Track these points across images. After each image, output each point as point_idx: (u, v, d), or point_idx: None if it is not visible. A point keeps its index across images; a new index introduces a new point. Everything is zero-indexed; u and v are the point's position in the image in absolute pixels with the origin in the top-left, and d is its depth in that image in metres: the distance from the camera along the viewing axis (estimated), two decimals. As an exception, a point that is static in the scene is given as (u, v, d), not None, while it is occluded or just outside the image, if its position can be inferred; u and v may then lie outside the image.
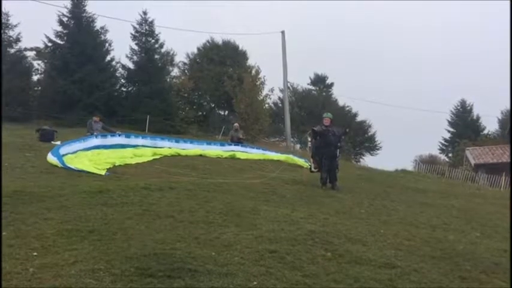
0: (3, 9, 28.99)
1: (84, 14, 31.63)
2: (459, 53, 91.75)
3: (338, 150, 12.12)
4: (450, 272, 5.22)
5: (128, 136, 16.18)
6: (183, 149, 16.89)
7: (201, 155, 16.56)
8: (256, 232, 6.07)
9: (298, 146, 35.50)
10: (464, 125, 50.71)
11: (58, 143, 14.70)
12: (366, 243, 6.10)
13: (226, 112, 41.62)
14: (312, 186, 11.67)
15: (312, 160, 12.71)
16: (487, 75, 79.11)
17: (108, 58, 32.78)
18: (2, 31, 29.27)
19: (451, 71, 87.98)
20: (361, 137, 51.31)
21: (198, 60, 42.01)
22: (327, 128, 11.92)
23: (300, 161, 17.91)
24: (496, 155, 32.42)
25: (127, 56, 33.72)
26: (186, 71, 41.47)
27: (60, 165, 10.66)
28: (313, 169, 12.47)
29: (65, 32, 31.33)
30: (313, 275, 4.67)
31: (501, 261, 5.85)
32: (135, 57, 33.60)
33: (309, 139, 12.47)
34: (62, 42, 31.52)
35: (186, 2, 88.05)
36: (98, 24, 32.28)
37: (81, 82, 29.35)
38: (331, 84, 54.96)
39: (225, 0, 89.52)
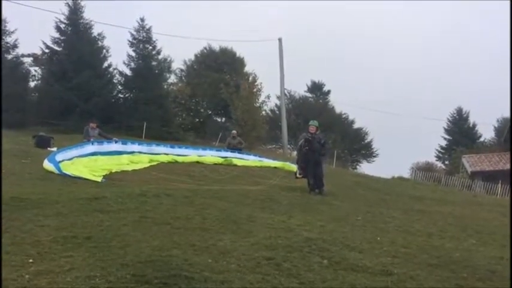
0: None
1: (81, 21, 31.66)
2: (456, 61, 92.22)
3: (322, 156, 12.36)
4: (446, 279, 5.22)
5: (124, 143, 16.17)
6: (180, 156, 16.90)
7: (198, 162, 16.56)
8: (252, 239, 6.06)
9: (295, 153, 35.47)
10: (460, 132, 50.85)
11: (54, 149, 14.68)
12: (363, 250, 6.10)
13: (223, 119, 41.65)
14: (308, 193, 11.68)
15: (297, 166, 12.90)
16: (484, 83, 79.47)
17: (106, 64, 32.82)
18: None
19: (448, 78, 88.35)
20: (357, 144, 51.41)
21: (195, 66, 42.11)
22: (312, 135, 12.10)
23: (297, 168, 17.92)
24: (492, 162, 32.54)
25: (124, 63, 33.82)
26: (183, 78, 41.57)
27: (56, 171, 10.64)
28: (298, 175, 12.59)
29: (62, 38, 31.35)
30: (309, 283, 4.66)
31: (497, 268, 5.86)
32: (132, 64, 33.67)
33: (299, 144, 12.66)
34: (59, 49, 31.53)
35: (183, 9, 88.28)
36: (95, 31, 32.36)
37: (78, 88, 29.32)
38: (328, 92, 55.19)
39: (222, 6, 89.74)
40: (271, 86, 52.88)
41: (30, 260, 4.63)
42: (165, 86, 35.71)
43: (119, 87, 34.19)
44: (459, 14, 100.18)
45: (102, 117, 26.05)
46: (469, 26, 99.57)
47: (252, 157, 20.37)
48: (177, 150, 17.84)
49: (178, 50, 57.28)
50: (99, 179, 10.29)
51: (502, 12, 77.95)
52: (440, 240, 7.39)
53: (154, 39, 33.99)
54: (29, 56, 33.59)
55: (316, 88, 55.26)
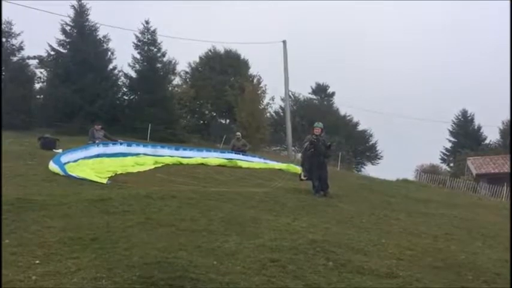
0: (6, 18, 29.19)
1: (86, 23, 31.74)
2: (460, 63, 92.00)
3: (326, 159, 12.43)
4: (452, 282, 5.21)
5: (129, 145, 16.23)
6: (185, 158, 16.92)
7: (202, 164, 16.57)
8: (258, 241, 6.07)
9: (299, 155, 35.43)
10: (465, 134, 50.67)
11: (60, 151, 14.74)
12: (368, 252, 6.10)
13: (228, 121, 41.66)
14: (312, 195, 11.68)
15: (302, 168, 12.90)
16: (488, 85, 79.21)
17: (111, 67, 32.83)
18: (5, 40, 29.43)
19: (453, 80, 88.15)
20: (362, 146, 51.34)
21: (199, 69, 42.14)
22: (317, 137, 12.12)
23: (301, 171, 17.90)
24: (497, 165, 32.40)
25: (129, 65, 33.79)
26: (187, 80, 41.58)
27: (61, 173, 10.68)
28: (302, 177, 12.59)
29: (67, 40, 31.42)
30: (314, 285, 4.67)
31: (502, 271, 5.85)
32: (137, 66, 33.67)
33: (304, 146, 12.72)
34: (64, 51, 31.60)
35: (188, 11, 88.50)
36: (101, 33, 32.42)
37: (83, 90, 29.38)
38: (333, 94, 55.19)
39: (225, 8, 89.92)
40: (276, 88, 52.90)
41: (37, 261, 4.67)
42: (170, 88, 35.64)
43: (124, 89, 34.21)
44: (460, 13, 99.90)
45: (107, 119, 26.12)
46: (471, 25, 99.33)
47: (256, 159, 20.36)
48: (182, 152, 17.87)
49: (183, 52, 57.37)
50: (104, 181, 10.32)
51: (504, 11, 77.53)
52: (446, 243, 7.38)
53: (159, 41, 34.07)
54: (34, 58, 33.69)
55: (321, 90, 55.26)
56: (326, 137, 13.05)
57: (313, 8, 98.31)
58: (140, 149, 16.26)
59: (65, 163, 11.56)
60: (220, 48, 42.40)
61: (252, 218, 7.63)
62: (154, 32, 33.68)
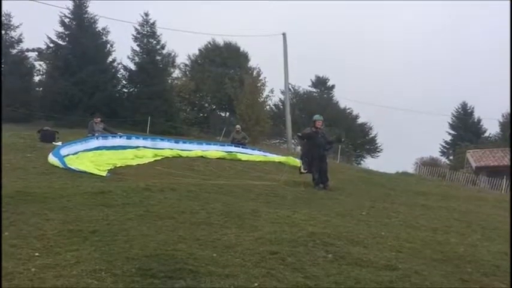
0: (5, 10, 29.14)
1: (86, 15, 31.67)
2: (461, 56, 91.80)
3: (326, 151, 12.40)
4: (451, 274, 5.21)
5: (129, 137, 16.23)
6: (184, 150, 16.93)
7: (202, 157, 16.58)
8: (257, 234, 6.07)
9: (298, 148, 35.42)
10: (465, 127, 50.67)
11: (59, 143, 14.73)
12: (367, 245, 6.10)
13: (227, 114, 41.65)
14: (312, 188, 11.69)
15: (302, 161, 12.90)
16: (488, 77, 79.09)
17: (110, 59, 32.82)
18: (4, 32, 29.39)
19: (454, 73, 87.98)
20: (362, 139, 51.31)
21: (199, 61, 42.07)
22: (317, 130, 12.12)
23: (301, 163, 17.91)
24: (497, 157, 32.44)
25: (128, 57, 33.76)
26: (187, 72, 41.52)
27: (61, 166, 10.69)
28: (302, 170, 12.59)
29: (66, 33, 31.37)
30: (314, 277, 4.67)
31: (502, 264, 5.85)
32: (136, 59, 33.63)
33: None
34: (63, 43, 31.55)
35: (187, 3, 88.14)
36: (100, 25, 32.36)
37: (83, 83, 29.37)
38: (332, 87, 55.05)
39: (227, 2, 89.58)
40: (275, 81, 52.86)
41: (36, 254, 4.66)
42: (169, 81, 35.63)
43: (123, 81, 34.22)
44: (460, 8, 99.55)
45: (107, 112, 26.16)
46: (472, 20, 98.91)
47: (256, 152, 20.36)
48: (181, 145, 17.87)
49: (182, 45, 57.27)
50: (104, 174, 10.32)
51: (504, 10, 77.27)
52: (445, 235, 7.37)
53: (158, 33, 34.00)
54: (33, 50, 33.69)
55: (320, 83, 55.13)
56: (326, 130, 13.07)
57: (313, 8, 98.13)
58: (140, 142, 16.26)
59: (65, 156, 11.57)
60: (220, 41, 42.36)
61: (251, 210, 7.63)
62: (153, 24, 33.64)
